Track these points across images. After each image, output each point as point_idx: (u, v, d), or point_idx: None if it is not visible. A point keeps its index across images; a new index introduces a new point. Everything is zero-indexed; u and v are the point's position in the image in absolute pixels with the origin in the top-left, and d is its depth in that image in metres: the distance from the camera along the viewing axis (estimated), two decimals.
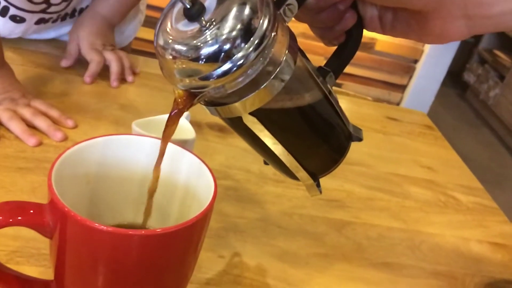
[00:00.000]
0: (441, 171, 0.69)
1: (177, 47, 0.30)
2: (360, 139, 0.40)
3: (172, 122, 0.34)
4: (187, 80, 0.31)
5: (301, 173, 0.38)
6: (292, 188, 0.57)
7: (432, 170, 0.69)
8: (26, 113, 0.55)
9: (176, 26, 0.31)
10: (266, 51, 0.30)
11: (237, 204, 0.52)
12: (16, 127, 0.53)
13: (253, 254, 0.46)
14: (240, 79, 0.31)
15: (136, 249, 0.30)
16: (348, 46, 0.40)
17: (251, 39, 0.29)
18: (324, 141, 0.39)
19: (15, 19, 0.72)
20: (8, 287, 0.33)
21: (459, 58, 2.50)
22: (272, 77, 0.32)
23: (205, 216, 0.32)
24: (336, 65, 0.39)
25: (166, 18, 0.32)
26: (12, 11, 0.70)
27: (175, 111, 0.33)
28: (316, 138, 0.39)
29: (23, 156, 0.51)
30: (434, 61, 2.23)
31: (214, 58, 0.29)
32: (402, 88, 2.33)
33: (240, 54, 0.29)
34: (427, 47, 2.22)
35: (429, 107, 2.32)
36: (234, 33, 0.29)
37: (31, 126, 0.55)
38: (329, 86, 0.38)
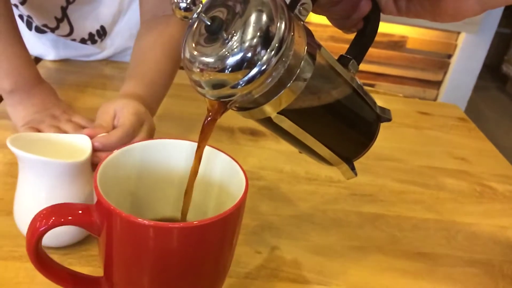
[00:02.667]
0: (475, 162, 0.69)
1: (203, 60, 0.32)
2: (389, 119, 0.42)
3: (206, 130, 0.36)
4: (216, 91, 0.33)
5: (335, 159, 0.40)
6: (325, 185, 0.59)
7: (467, 161, 0.69)
8: (69, 128, 0.59)
9: (200, 42, 0.33)
10: (286, 53, 0.32)
11: (271, 203, 0.54)
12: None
13: (288, 249, 0.48)
14: (265, 83, 0.33)
15: (176, 241, 0.32)
16: (366, 31, 0.41)
17: (271, 44, 0.31)
18: (353, 128, 0.41)
19: (39, 29, 0.76)
20: (63, 284, 0.36)
21: (496, 50, 2.44)
22: (294, 77, 0.34)
23: (238, 209, 0.34)
24: (357, 51, 0.40)
25: (189, 36, 0.34)
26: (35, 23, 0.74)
27: (208, 119, 0.36)
28: (345, 127, 0.41)
29: None
30: (468, 54, 2.18)
31: (239, 67, 0.31)
32: (437, 84, 2.30)
33: (262, 60, 0.31)
34: (461, 41, 2.18)
35: (466, 102, 2.27)
36: (254, 40, 0.31)
37: None
38: (352, 74, 0.39)
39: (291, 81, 0.34)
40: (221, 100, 0.34)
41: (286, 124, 0.37)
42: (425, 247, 0.51)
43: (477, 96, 2.39)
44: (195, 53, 0.33)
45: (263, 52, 0.31)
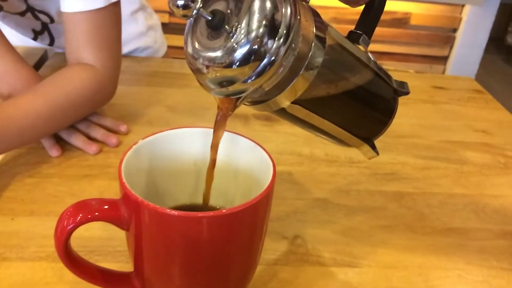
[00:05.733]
0: (496, 133, 0.68)
1: (209, 57, 0.31)
2: (406, 93, 0.40)
3: (218, 127, 0.35)
4: (224, 88, 0.32)
5: (355, 141, 0.39)
6: (345, 166, 0.58)
7: (487, 133, 0.68)
8: (82, 126, 0.58)
9: (203, 39, 0.32)
10: (295, 40, 0.30)
11: (293, 187, 0.53)
12: (76, 140, 0.57)
13: (315, 232, 0.47)
14: (275, 75, 0.31)
15: (206, 231, 0.31)
16: (375, 2, 0.38)
17: (278, 32, 0.30)
18: (371, 108, 0.39)
19: None
20: (95, 281, 0.35)
21: (499, 21, 2.39)
22: (306, 63, 0.32)
23: (267, 195, 0.33)
24: (367, 25, 0.38)
25: (191, 34, 0.33)
26: None
27: (219, 117, 0.35)
28: (363, 107, 0.39)
29: (87, 164, 0.54)
30: (474, 27, 2.15)
31: (247, 60, 0.30)
32: (443, 59, 2.27)
33: (271, 50, 0.29)
34: (465, 14, 2.14)
35: (474, 76, 2.24)
36: (260, 30, 0.29)
37: (90, 138, 0.58)
38: (364, 49, 0.38)
39: (303, 69, 0.32)
40: (231, 97, 0.33)
41: (302, 113, 0.36)
42: (454, 222, 0.50)
43: (483, 69, 2.36)
44: (200, 51, 0.32)
45: (270, 41, 0.29)
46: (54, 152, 0.55)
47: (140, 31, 0.87)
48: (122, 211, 0.32)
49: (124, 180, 0.32)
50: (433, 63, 2.26)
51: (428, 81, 0.84)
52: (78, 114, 0.57)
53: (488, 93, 0.81)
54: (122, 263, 0.41)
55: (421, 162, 0.59)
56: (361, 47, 0.38)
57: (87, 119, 0.60)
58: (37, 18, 0.73)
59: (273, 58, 0.30)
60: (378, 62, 0.40)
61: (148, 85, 0.74)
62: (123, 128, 0.60)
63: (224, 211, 0.31)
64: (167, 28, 1.54)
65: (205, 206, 0.39)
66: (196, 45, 0.32)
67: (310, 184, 0.54)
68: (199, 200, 0.40)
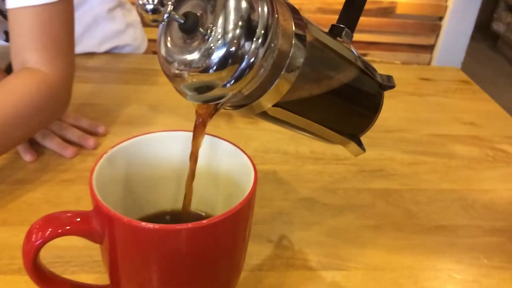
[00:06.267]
0: (484, 125, 0.67)
1: (185, 61, 0.29)
2: (392, 87, 0.38)
3: (197, 134, 0.34)
4: (202, 95, 0.30)
5: (341, 139, 0.37)
6: (332, 163, 0.56)
7: (475, 125, 0.67)
8: (56, 128, 0.56)
9: (177, 42, 0.30)
10: (273, 40, 0.29)
11: (279, 188, 0.52)
12: (50, 142, 0.54)
13: (302, 234, 0.45)
14: (255, 78, 0.29)
15: (185, 243, 0.29)
16: None
17: (256, 32, 0.28)
18: (356, 105, 0.38)
19: None
20: None
21: (484, 8, 2.39)
22: (286, 65, 0.30)
23: (248, 203, 0.31)
24: (349, 18, 0.36)
25: (164, 37, 0.31)
26: None
27: (199, 122, 0.33)
28: (348, 105, 0.38)
29: (63, 168, 0.52)
30: (460, 15, 2.14)
31: (224, 64, 0.28)
32: (430, 48, 2.26)
33: (249, 52, 0.28)
34: (451, 2, 2.13)
35: (461, 64, 2.24)
36: (237, 32, 0.27)
37: (66, 141, 0.56)
38: (346, 45, 0.36)
39: (284, 70, 0.30)
40: (210, 103, 0.31)
41: (285, 115, 0.34)
42: (443, 219, 0.49)
43: (470, 57, 2.36)
44: (173, 52, 0.30)
45: (248, 43, 0.28)
46: (28, 156, 0.52)
47: (118, 29, 0.84)
48: (95, 224, 0.30)
49: (95, 191, 0.30)
50: (420, 52, 2.26)
51: (414, 72, 0.83)
52: (32, 126, 0.51)
53: (475, 84, 0.80)
54: (100, 274, 0.40)
55: (408, 157, 0.58)
56: (343, 41, 0.36)
57: (62, 120, 0.57)
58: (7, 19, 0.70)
59: (251, 60, 0.28)
60: (365, 52, 0.38)
61: (128, 83, 0.72)
62: (100, 129, 0.58)
63: (204, 222, 0.29)
64: None
65: (185, 213, 0.38)
66: (170, 49, 0.30)
67: (296, 184, 0.52)
68: (180, 205, 0.38)
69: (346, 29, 0.36)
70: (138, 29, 0.90)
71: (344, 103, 0.38)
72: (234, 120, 0.64)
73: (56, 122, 0.56)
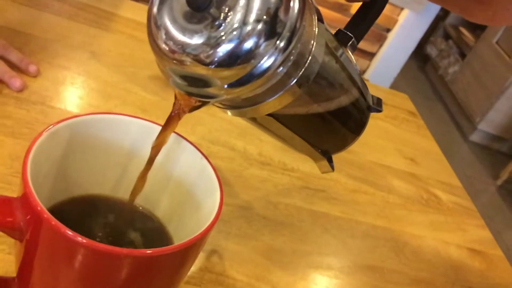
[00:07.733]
0: (423, 164, 0.68)
1: (182, 41, 0.23)
2: (379, 111, 0.36)
3: (168, 125, 0.29)
4: (191, 88, 0.25)
5: (316, 154, 0.34)
6: (278, 172, 0.53)
7: (415, 162, 0.67)
8: None
9: (178, 19, 0.24)
10: (296, 47, 0.24)
11: None
12: None
13: (236, 249, 0.42)
14: (260, 88, 0.25)
15: (120, 269, 0.25)
16: (376, 3, 0.33)
17: (282, 33, 0.23)
18: (343, 125, 0.35)
19: None
20: None
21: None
22: (297, 77, 0.26)
23: (205, 235, 0.27)
24: (359, 29, 0.32)
25: (161, 11, 0.24)
26: None
27: (174, 113, 0.28)
28: (336, 124, 0.35)
29: None
30: (406, 32, 2.21)
31: (232, 61, 0.23)
32: (370, 55, 2.31)
33: (266, 55, 0.23)
34: (402, 17, 2.19)
35: (393, 79, 2.33)
36: (259, 26, 0.22)
37: None
38: (352, 59, 0.32)
39: (293, 81, 0.26)
40: (196, 98, 0.26)
41: (271, 123, 0.30)
42: (374, 259, 0.48)
43: (400, 72, 2.45)
44: (170, 23, 0.24)
45: (267, 44, 0.22)
46: None
47: None
48: (18, 219, 0.25)
49: (28, 177, 0.24)
50: (360, 57, 2.30)
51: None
52: None
53: (421, 118, 0.81)
54: (3, 254, 0.33)
55: (351, 183, 0.57)
56: (350, 53, 0.33)
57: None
58: None
59: (266, 65, 0.23)
60: None
61: (72, 19, 0.62)
62: (32, 68, 0.49)
63: (148, 252, 0.24)
64: None
65: (125, 203, 0.33)
66: (168, 20, 0.24)
67: (239, 188, 0.49)
68: (116, 194, 0.33)
69: (353, 39, 0.32)
70: None
71: (334, 122, 0.35)
72: None
73: None
